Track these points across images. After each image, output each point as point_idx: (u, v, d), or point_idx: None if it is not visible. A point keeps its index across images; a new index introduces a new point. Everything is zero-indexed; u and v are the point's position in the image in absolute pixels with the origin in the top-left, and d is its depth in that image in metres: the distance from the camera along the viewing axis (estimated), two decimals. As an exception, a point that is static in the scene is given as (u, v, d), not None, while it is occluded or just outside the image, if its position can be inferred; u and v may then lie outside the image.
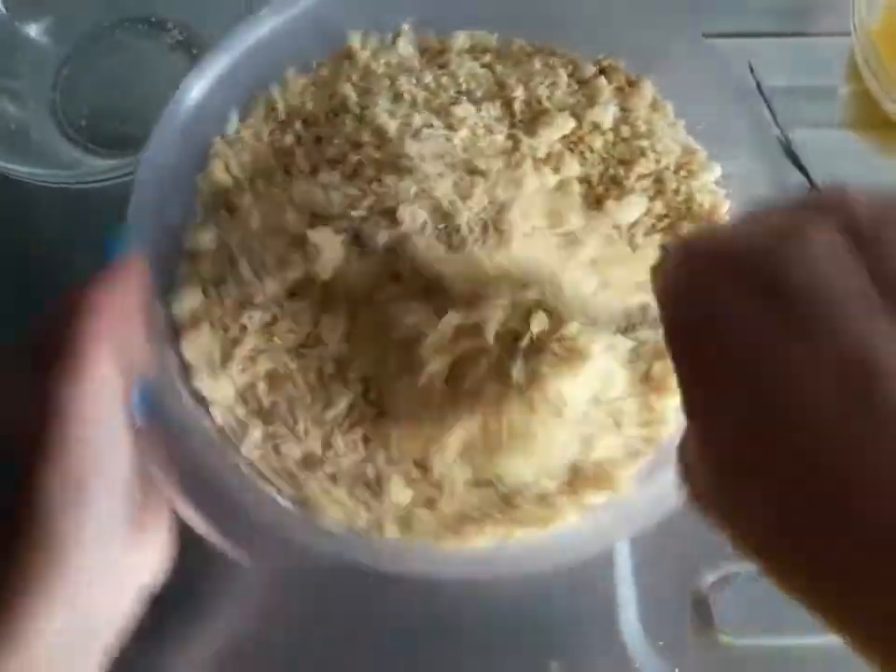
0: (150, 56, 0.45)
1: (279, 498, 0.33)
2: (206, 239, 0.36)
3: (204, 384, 0.34)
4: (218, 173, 0.37)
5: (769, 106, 0.44)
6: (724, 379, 0.18)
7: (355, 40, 0.39)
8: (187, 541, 0.33)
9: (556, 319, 0.31)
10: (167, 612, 0.35)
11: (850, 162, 0.45)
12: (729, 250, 0.18)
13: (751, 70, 0.45)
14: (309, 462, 0.34)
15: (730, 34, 0.46)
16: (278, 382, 0.34)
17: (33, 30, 0.45)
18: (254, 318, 0.34)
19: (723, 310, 0.18)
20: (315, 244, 0.33)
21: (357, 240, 0.34)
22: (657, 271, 0.21)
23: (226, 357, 0.34)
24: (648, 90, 0.39)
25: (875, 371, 0.15)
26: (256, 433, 0.34)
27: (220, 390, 0.34)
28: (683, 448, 0.20)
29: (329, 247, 0.33)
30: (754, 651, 0.38)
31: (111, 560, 0.24)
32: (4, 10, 0.43)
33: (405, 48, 0.40)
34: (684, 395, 0.19)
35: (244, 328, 0.34)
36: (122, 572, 0.25)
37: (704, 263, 0.19)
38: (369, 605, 0.38)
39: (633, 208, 0.36)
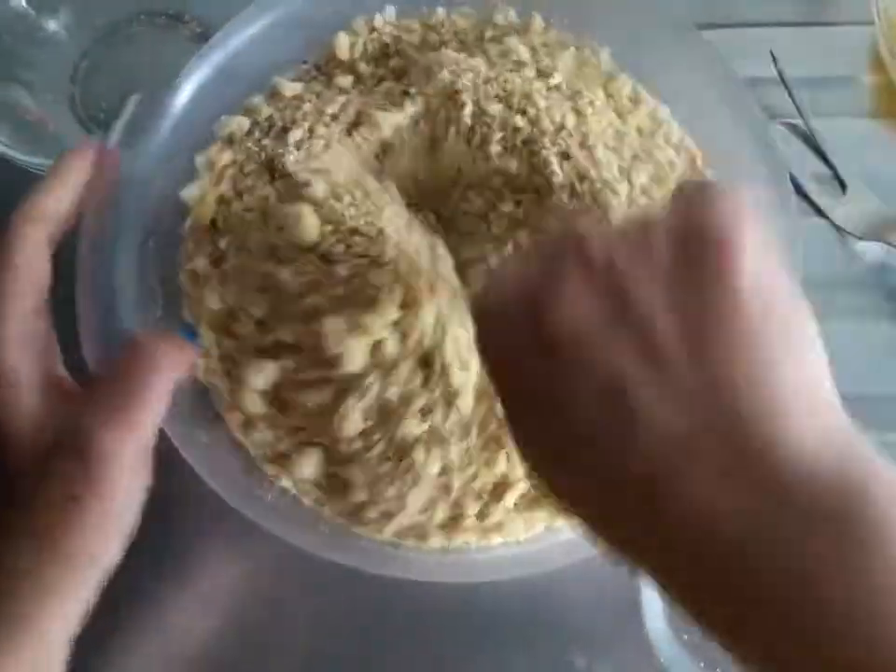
0: (168, 48, 0.45)
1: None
2: (289, 87, 0.37)
3: (194, 187, 0.35)
4: (343, 46, 0.38)
5: (792, 96, 0.44)
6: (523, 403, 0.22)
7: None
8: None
9: None
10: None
11: (875, 152, 0.44)
12: (504, 305, 0.22)
13: (774, 59, 0.44)
14: (215, 325, 0.33)
15: (751, 23, 0.46)
16: (244, 244, 0.34)
17: (52, 23, 0.45)
18: (266, 183, 0.34)
19: (509, 353, 0.22)
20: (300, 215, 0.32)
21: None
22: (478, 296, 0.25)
23: (229, 186, 0.35)
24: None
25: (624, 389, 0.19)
26: (199, 261, 0.34)
27: (203, 197, 0.35)
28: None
29: (310, 223, 0.32)
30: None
31: None
32: (24, 4, 0.44)
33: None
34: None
35: (254, 179, 0.35)
36: None
37: (497, 310, 0.22)
38: (387, 594, 0.37)
39: None
